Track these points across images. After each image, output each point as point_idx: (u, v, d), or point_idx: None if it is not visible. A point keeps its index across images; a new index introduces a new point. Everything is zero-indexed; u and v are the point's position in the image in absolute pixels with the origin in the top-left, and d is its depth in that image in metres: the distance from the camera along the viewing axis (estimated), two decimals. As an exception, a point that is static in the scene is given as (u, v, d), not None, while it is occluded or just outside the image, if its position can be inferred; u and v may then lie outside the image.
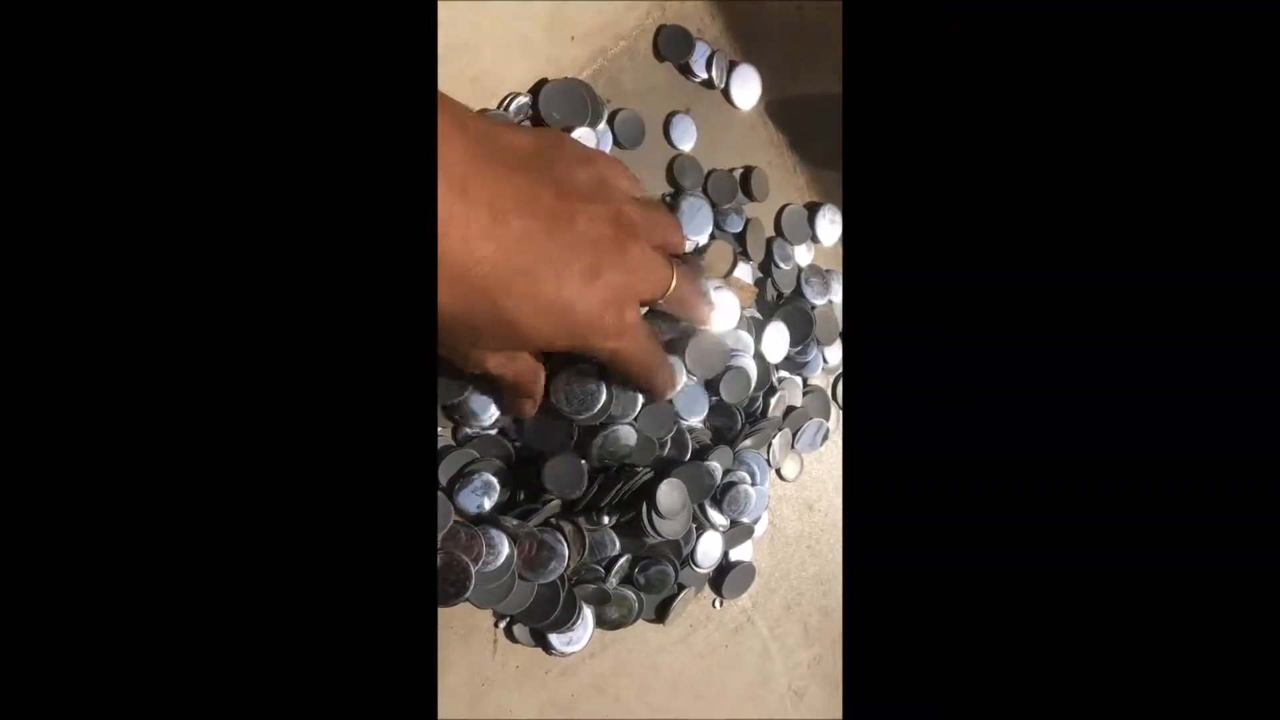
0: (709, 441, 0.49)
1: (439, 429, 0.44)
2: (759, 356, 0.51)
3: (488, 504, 0.43)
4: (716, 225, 0.52)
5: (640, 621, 0.49)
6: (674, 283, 0.38)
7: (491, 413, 0.44)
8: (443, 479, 0.43)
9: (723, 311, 0.50)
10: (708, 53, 0.52)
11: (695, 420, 0.48)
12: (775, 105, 0.55)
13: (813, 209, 0.56)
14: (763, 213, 0.54)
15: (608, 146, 0.50)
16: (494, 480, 0.43)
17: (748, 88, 0.54)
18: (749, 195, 0.54)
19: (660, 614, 0.49)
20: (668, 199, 0.51)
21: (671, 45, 0.52)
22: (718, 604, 0.52)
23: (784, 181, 0.56)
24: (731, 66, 0.54)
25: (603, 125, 0.49)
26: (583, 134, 0.48)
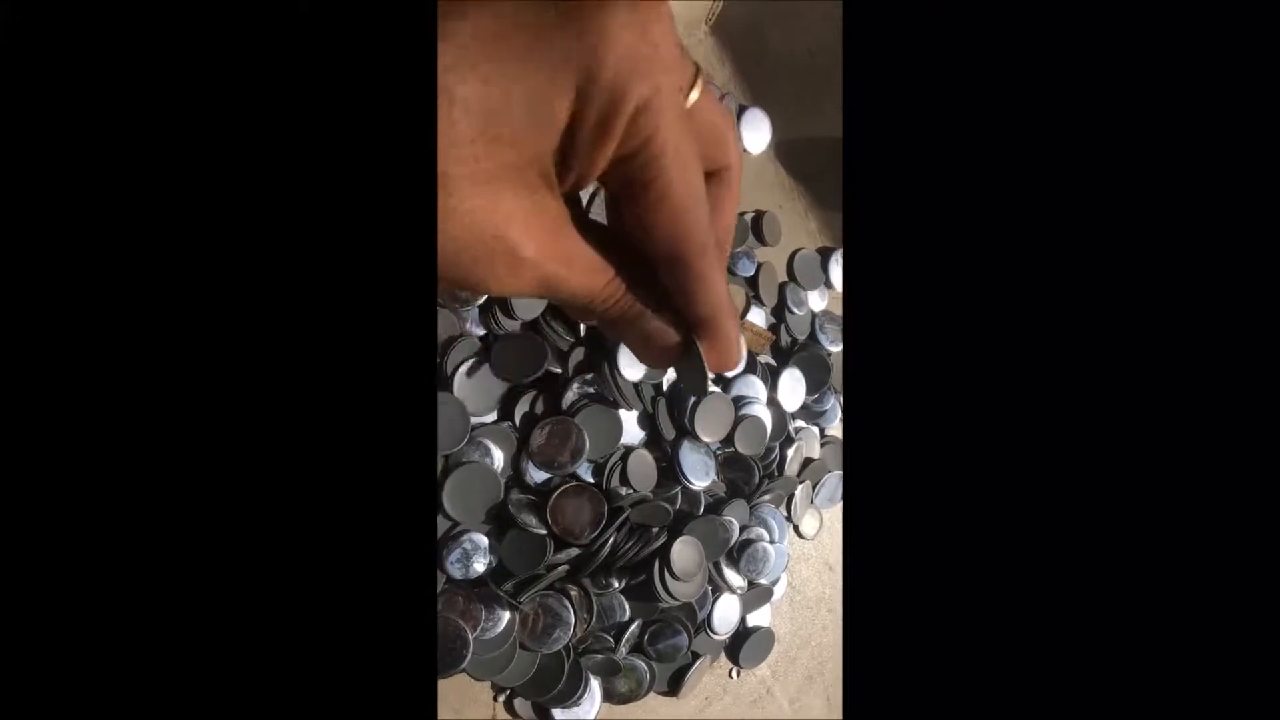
0: (724, 495, 0.46)
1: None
2: (774, 404, 0.49)
3: (479, 568, 0.40)
4: (728, 269, 0.50)
5: (652, 694, 0.44)
6: (699, 81, 0.20)
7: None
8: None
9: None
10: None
11: (702, 484, 0.45)
12: (785, 149, 0.54)
13: (825, 254, 0.54)
14: (774, 257, 0.53)
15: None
16: (482, 541, 0.40)
17: (758, 131, 0.53)
18: (760, 239, 0.52)
19: (673, 686, 0.45)
20: (678, 242, 0.50)
21: (680, 88, 0.51)
22: (735, 674, 0.48)
23: (795, 225, 0.54)
24: (741, 110, 0.53)
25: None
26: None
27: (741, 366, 0.48)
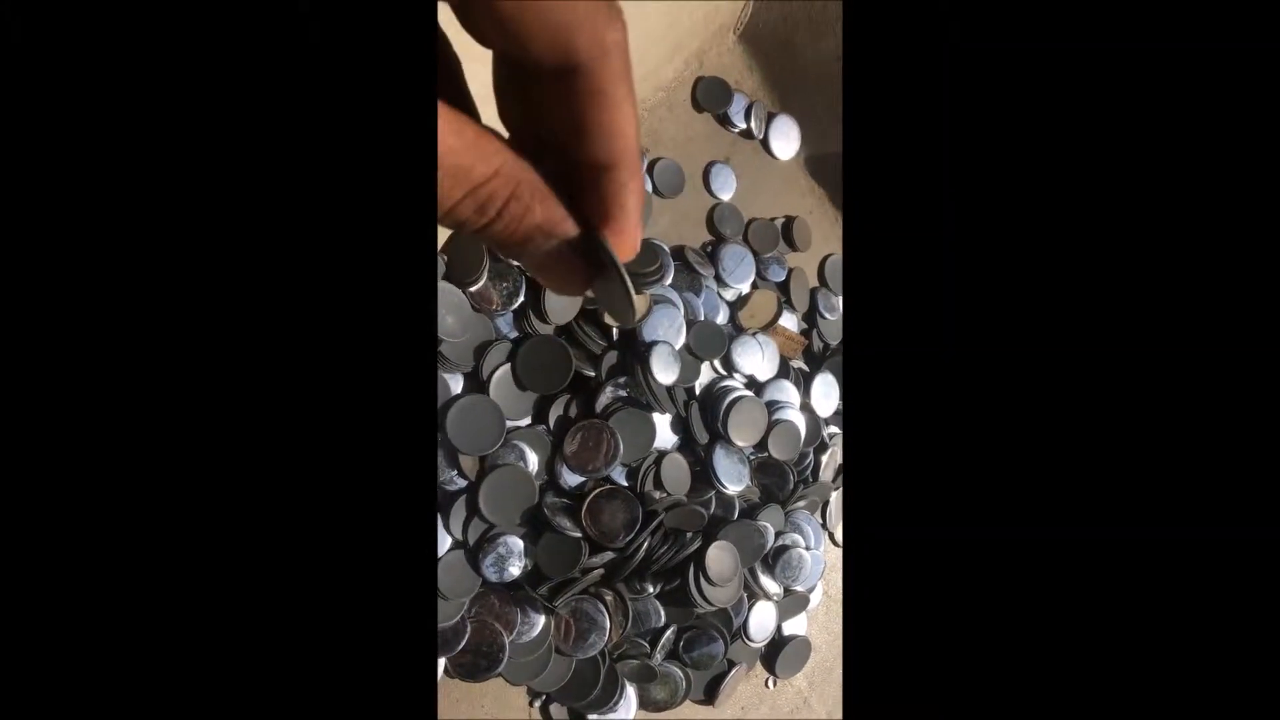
0: (758, 500, 0.46)
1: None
2: (807, 409, 0.49)
3: (514, 571, 0.40)
4: (759, 274, 0.50)
5: (688, 702, 0.44)
6: None
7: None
8: (469, 540, 0.40)
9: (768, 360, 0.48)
10: (746, 103, 0.52)
11: (736, 489, 0.44)
12: (815, 155, 0.54)
13: (857, 259, 0.54)
14: (806, 263, 0.52)
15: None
16: (517, 545, 0.40)
17: (787, 138, 0.53)
18: (791, 245, 0.52)
19: (709, 694, 0.44)
20: (708, 247, 0.50)
21: (710, 96, 0.51)
22: (771, 684, 0.47)
23: (827, 231, 0.54)
24: (770, 117, 0.53)
25: (642, 173, 0.49)
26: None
27: (774, 371, 0.48)
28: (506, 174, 0.16)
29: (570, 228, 0.17)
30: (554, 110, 0.16)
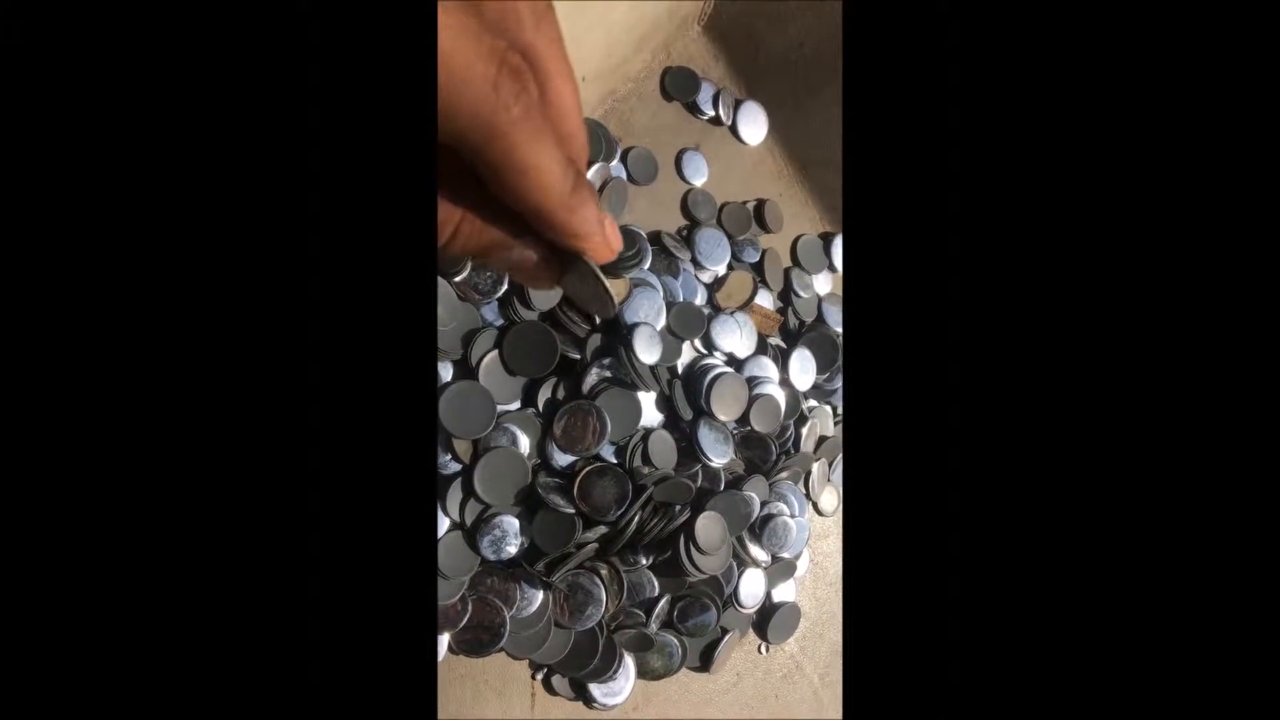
0: (743, 473, 0.48)
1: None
2: (786, 384, 0.50)
3: (511, 550, 0.41)
4: (734, 256, 0.52)
5: (684, 670, 0.45)
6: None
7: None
8: (465, 521, 0.41)
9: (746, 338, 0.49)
10: (714, 91, 0.54)
11: (721, 462, 0.46)
12: (783, 139, 0.56)
13: (827, 238, 0.56)
14: (778, 243, 0.54)
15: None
16: (513, 524, 0.41)
17: (755, 123, 0.55)
18: (763, 226, 0.54)
19: (705, 661, 0.46)
20: (684, 231, 0.51)
21: (678, 85, 0.53)
22: (764, 649, 0.49)
23: (797, 212, 0.56)
24: (738, 104, 0.55)
25: (616, 162, 0.50)
26: (597, 169, 0.49)
27: (753, 348, 0.50)
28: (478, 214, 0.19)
29: (525, 244, 0.19)
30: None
